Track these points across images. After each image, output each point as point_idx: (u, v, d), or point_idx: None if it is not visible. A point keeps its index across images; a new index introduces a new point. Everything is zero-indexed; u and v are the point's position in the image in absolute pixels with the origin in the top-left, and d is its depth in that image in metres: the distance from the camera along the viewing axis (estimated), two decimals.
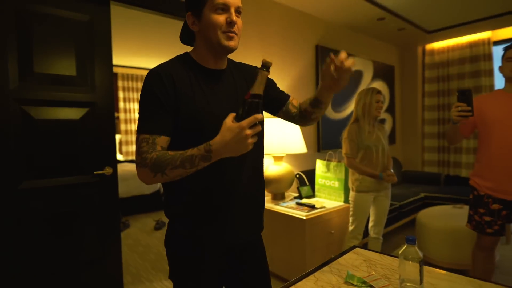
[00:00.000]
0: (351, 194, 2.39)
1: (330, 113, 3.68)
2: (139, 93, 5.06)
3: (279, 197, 2.74)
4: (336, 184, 2.67)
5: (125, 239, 3.64)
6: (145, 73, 6.11)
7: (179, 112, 0.93)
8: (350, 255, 1.20)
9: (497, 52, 4.19)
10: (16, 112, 1.76)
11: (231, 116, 0.83)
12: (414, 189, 3.95)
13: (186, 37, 1.09)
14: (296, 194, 2.93)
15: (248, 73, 1.12)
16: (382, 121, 2.38)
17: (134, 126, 6.17)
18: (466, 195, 3.58)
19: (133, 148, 6.20)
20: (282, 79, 3.14)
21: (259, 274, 1.13)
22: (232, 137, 0.80)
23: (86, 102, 2.00)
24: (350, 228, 2.40)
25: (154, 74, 0.93)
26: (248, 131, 0.79)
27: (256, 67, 1.13)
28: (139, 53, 4.77)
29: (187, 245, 1.01)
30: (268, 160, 3.00)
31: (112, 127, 2.11)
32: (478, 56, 4.19)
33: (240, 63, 1.15)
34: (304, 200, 2.65)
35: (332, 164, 2.72)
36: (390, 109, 4.75)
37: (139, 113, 0.96)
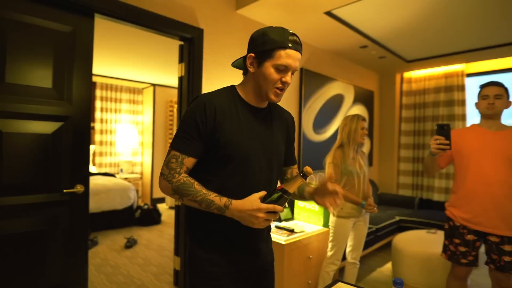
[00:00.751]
0: (332, 219, 2.38)
1: (311, 134, 3.71)
2: (117, 104, 4.92)
3: None
4: (316, 207, 2.66)
5: (92, 258, 3.44)
6: (124, 83, 6.00)
7: (215, 140, 1.03)
8: None
9: (470, 83, 4.43)
10: None
11: (262, 193, 0.97)
12: (390, 212, 4.02)
13: (239, 63, 1.16)
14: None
15: (284, 114, 1.26)
16: (360, 145, 2.41)
17: (110, 137, 5.97)
18: (438, 219, 3.68)
19: (107, 159, 5.98)
20: None
21: None
22: (248, 209, 0.94)
23: (60, 116, 1.89)
24: (329, 253, 2.38)
25: (200, 103, 1.04)
26: (262, 215, 0.92)
27: (289, 114, 1.30)
28: (119, 63, 4.66)
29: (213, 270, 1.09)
30: None
31: (86, 143, 2.01)
32: (452, 87, 4.40)
33: (278, 105, 1.25)
34: (283, 224, 2.62)
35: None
36: (369, 133, 4.87)
37: (177, 130, 1.07)
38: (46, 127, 1.84)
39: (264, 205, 0.92)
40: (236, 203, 0.96)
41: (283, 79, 1.04)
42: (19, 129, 1.75)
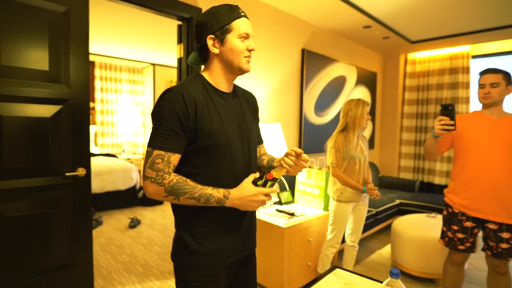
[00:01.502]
0: (332, 203, 2.39)
1: (312, 117, 3.68)
2: (117, 84, 4.86)
3: None
4: (316, 191, 2.67)
5: (97, 237, 3.51)
6: (123, 62, 5.90)
7: (198, 132, 1.01)
8: (331, 278, 1.18)
9: (475, 65, 4.33)
10: None
11: (252, 177, 1.02)
12: (390, 195, 4.04)
13: (196, 58, 1.16)
14: (276, 199, 2.92)
15: (249, 96, 1.26)
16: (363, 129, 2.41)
17: (111, 117, 5.95)
18: (439, 203, 3.70)
19: (109, 140, 5.98)
20: (267, 81, 3.10)
21: (252, 281, 1.26)
22: (249, 196, 1.00)
23: (59, 99, 1.87)
24: (329, 236, 2.41)
25: (177, 95, 0.99)
26: (262, 198, 1.01)
27: (252, 94, 1.30)
28: (117, 42, 4.57)
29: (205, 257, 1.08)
30: None
31: (86, 125, 1.99)
32: (457, 69, 4.31)
33: (239, 87, 1.25)
34: (284, 207, 2.64)
35: (313, 171, 2.72)
36: (371, 115, 4.82)
37: (154, 127, 1.01)
38: (45, 110, 1.82)
39: (262, 190, 1.00)
40: (234, 192, 1.00)
41: (249, 47, 1.08)
42: (18, 113, 1.73)
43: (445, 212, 2.04)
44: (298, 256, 2.38)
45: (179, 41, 2.51)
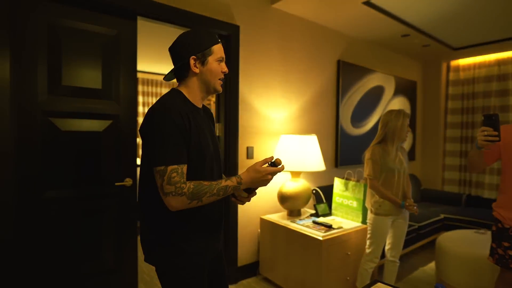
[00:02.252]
0: (370, 216, 2.33)
1: (349, 128, 3.62)
2: (157, 98, 5.09)
3: (295, 213, 2.71)
4: (354, 204, 2.62)
5: (139, 244, 3.67)
6: (160, 78, 6.22)
7: (191, 144, 1.09)
8: None
9: None
10: (44, 123, 1.81)
11: (261, 162, 1.12)
12: (434, 209, 3.83)
13: (171, 75, 1.25)
14: (312, 211, 2.89)
15: (209, 112, 1.36)
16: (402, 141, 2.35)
17: None
18: (488, 218, 3.45)
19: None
20: (303, 93, 3.13)
21: (223, 274, 1.37)
22: (258, 176, 1.11)
23: (109, 115, 2.03)
24: (367, 250, 2.34)
25: (174, 112, 1.06)
26: (270, 177, 1.12)
27: (208, 108, 1.38)
28: (158, 59, 4.86)
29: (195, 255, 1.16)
30: (285, 175, 2.97)
31: (133, 139, 2.14)
32: (507, 75, 4.05)
33: (203, 105, 1.32)
34: (321, 219, 2.61)
35: (351, 183, 2.67)
36: (411, 125, 4.64)
37: (160, 146, 1.04)
38: (97, 125, 1.99)
39: (269, 169, 1.11)
40: (244, 176, 1.11)
41: (223, 70, 1.20)
42: (75, 127, 1.91)
43: (494, 228, 1.91)
44: (336, 270, 2.33)
45: None
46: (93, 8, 1.95)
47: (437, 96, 4.73)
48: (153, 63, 5.12)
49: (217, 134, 2.65)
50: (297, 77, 3.08)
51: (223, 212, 1.29)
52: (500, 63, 4.12)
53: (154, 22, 2.24)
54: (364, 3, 2.74)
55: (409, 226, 3.11)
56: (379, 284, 1.23)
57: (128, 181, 2.09)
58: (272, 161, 1.15)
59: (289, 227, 2.46)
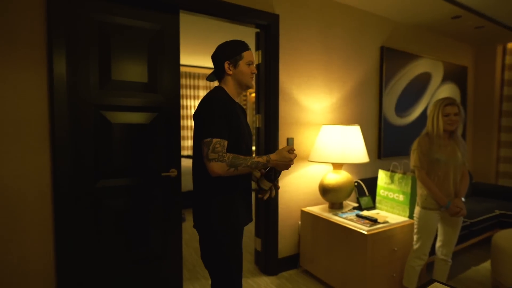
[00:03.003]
0: (416, 209, 2.22)
1: (393, 118, 3.45)
2: (195, 90, 5.24)
3: (337, 206, 2.65)
4: (401, 197, 2.50)
5: (183, 232, 3.80)
6: (201, 71, 6.33)
7: (232, 126, 1.37)
8: None
9: None
10: (96, 116, 1.90)
11: (287, 148, 1.39)
12: (487, 205, 3.56)
13: (214, 77, 1.55)
14: (354, 204, 2.81)
15: (242, 108, 1.60)
16: (451, 132, 2.19)
17: (189, 122, 6.41)
18: None
19: (189, 143, 6.44)
20: (344, 82, 3.01)
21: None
22: (285, 160, 1.38)
23: (155, 107, 2.09)
24: (415, 246, 2.22)
25: (224, 101, 1.36)
26: (292, 163, 1.41)
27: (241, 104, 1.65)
28: (196, 52, 4.93)
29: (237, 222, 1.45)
30: (326, 167, 2.91)
31: (177, 130, 2.19)
32: None
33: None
34: (365, 213, 2.52)
35: (397, 175, 2.55)
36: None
37: (210, 123, 1.31)
38: (144, 118, 2.06)
39: (292, 156, 1.38)
40: (273, 156, 1.37)
41: (252, 71, 1.47)
42: (123, 120, 1.99)
43: None
44: (382, 266, 2.25)
45: (257, 47, 2.60)
46: (138, 4, 2.00)
47: (491, 82, 4.36)
48: (191, 56, 5.21)
49: (258, 125, 2.64)
50: (339, 66, 2.97)
51: (251, 190, 1.56)
52: None
53: (195, 15, 2.26)
54: None
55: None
56: (436, 284, 1.15)
57: (173, 172, 2.15)
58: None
59: (331, 220, 2.40)
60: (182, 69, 6.12)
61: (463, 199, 2.11)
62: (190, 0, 2.10)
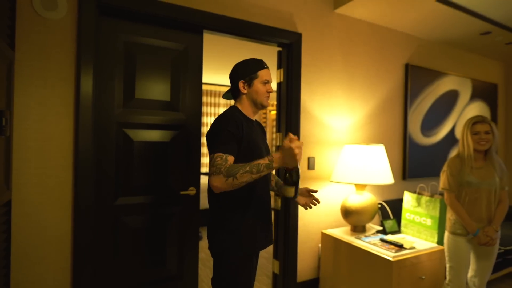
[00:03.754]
0: (445, 234, 2.09)
1: (418, 137, 3.33)
2: (216, 108, 5.29)
3: (359, 229, 2.54)
4: (428, 221, 2.36)
5: (199, 251, 3.75)
6: (222, 89, 6.42)
7: (242, 143, 1.35)
8: None
9: None
10: (119, 134, 1.93)
11: (287, 138, 1.21)
12: None
13: (228, 95, 1.58)
14: (378, 227, 2.69)
15: (261, 126, 1.63)
16: (485, 152, 2.07)
17: None
18: None
19: (207, 159, 6.49)
20: (368, 100, 2.95)
21: (255, 270, 1.53)
22: (286, 154, 1.17)
23: (176, 125, 2.11)
24: (447, 278, 2.08)
25: (230, 118, 1.35)
26: (297, 151, 1.14)
27: (260, 122, 1.69)
28: (217, 71, 5.00)
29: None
30: (349, 188, 2.81)
31: (197, 149, 2.19)
32: None
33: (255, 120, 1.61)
34: (390, 237, 2.40)
35: (424, 198, 2.42)
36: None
37: (215, 140, 1.31)
38: (165, 135, 2.07)
39: (294, 144, 1.14)
40: (275, 154, 1.22)
41: (268, 90, 1.46)
42: (145, 138, 2.01)
43: None
44: None
45: (279, 66, 2.59)
46: (164, 24, 2.05)
47: None
48: (212, 74, 5.29)
49: (278, 144, 2.60)
50: (362, 83, 2.91)
51: (271, 211, 1.49)
52: None
53: (219, 35, 2.29)
54: (439, 0, 2.50)
55: None
56: None
57: (192, 190, 2.14)
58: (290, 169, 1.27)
59: (353, 244, 2.30)
60: (203, 87, 6.23)
61: (496, 227, 1.96)
62: (213, 20, 2.13)
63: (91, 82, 1.78)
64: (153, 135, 2.04)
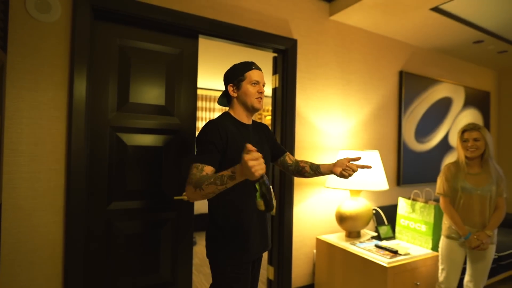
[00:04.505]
0: (441, 238, 2.15)
1: (412, 144, 3.35)
2: (211, 113, 5.28)
3: (354, 235, 2.53)
4: (423, 227, 2.36)
5: (193, 257, 3.71)
6: (217, 93, 6.42)
7: (229, 151, 1.33)
8: None
9: None
10: (112, 138, 1.91)
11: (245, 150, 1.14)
12: None
13: (222, 100, 1.55)
14: (373, 233, 2.68)
15: (261, 126, 1.61)
16: (479, 158, 2.11)
17: None
18: None
19: None
20: (362, 107, 2.96)
21: (257, 278, 1.57)
22: (244, 166, 1.04)
23: (171, 130, 2.09)
24: (440, 279, 2.10)
25: (214, 126, 1.34)
26: (251, 163, 1.01)
27: (263, 123, 1.66)
28: (212, 75, 5.01)
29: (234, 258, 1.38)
30: (344, 194, 2.81)
31: (192, 153, 2.17)
32: None
33: (254, 121, 1.59)
34: (384, 243, 2.39)
35: (418, 204, 2.43)
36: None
37: (197, 150, 1.32)
38: (159, 140, 2.06)
39: (248, 156, 1.03)
40: (237, 167, 1.09)
41: (259, 90, 1.41)
42: (139, 142, 1.99)
43: None
44: None
45: (274, 72, 2.60)
46: (159, 29, 2.05)
47: None
48: (209, 79, 5.30)
49: None
50: (356, 90, 2.93)
51: (266, 218, 1.47)
52: None
53: (214, 40, 2.29)
54: (433, 9, 2.54)
55: None
56: None
57: (186, 195, 2.11)
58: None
59: (348, 250, 2.29)
60: (198, 91, 6.23)
61: (489, 232, 1.97)
62: (209, 25, 2.14)
63: (85, 86, 1.77)
64: (147, 140, 2.02)
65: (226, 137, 1.33)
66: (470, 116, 3.98)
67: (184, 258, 2.14)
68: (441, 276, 2.10)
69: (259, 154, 1.06)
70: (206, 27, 2.12)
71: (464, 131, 2.09)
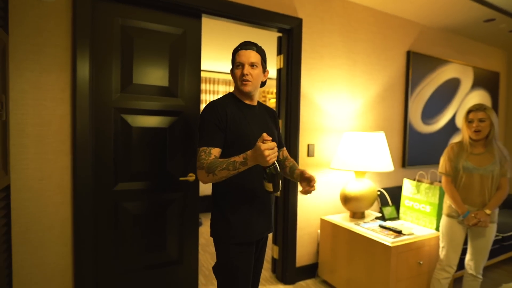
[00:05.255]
0: (442, 216, 2.16)
1: (419, 125, 3.31)
2: (215, 96, 5.24)
3: (358, 215, 2.55)
4: (427, 208, 2.37)
5: (199, 237, 3.78)
6: (220, 76, 6.36)
7: (229, 131, 1.35)
8: None
9: None
10: (116, 120, 1.92)
11: (260, 138, 1.15)
12: None
13: None
14: (377, 213, 2.70)
15: (269, 111, 1.59)
16: (486, 140, 2.09)
17: None
18: None
19: None
20: (368, 87, 2.92)
21: (261, 260, 1.59)
22: (257, 153, 1.13)
23: (175, 111, 2.09)
24: (440, 256, 2.13)
25: (213, 107, 1.36)
26: (267, 152, 1.11)
27: (271, 109, 1.63)
28: (215, 57, 4.94)
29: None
30: (348, 175, 2.81)
31: (196, 135, 2.17)
32: None
33: (262, 104, 1.59)
34: (388, 223, 2.41)
35: (423, 185, 2.43)
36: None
37: (201, 132, 1.34)
38: (164, 121, 2.06)
39: (265, 145, 1.11)
40: (250, 152, 1.17)
41: (240, 73, 1.38)
42: (143, 124, 1.99)
43: None
44: (406, 280, 2.14)
45: (279, 52, 2.56)
46: (161, 8, 2.01)
47: None
48: (214, 61, 5.23)
49: None
50: (363, 70, 2.88)
51: (271, 199, 1.48)
52: None
53: (218, 19, 2.25)
54: None
55: None
56: None
57: (191, 176, 2.13)
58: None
59: (352, 230, 2.31)
60: (202, 74, 6.17)
61: (487, 211, 1.98)
62: (212, 4, 2.09)
63: (88, 67, 1.76)
64: (152, 121, 2.02)
65: (226, 116, 1.35)
66: (478, 97, 3.91)
67: (190, 238, 2.18)
68: (441, 254, 2.13)
69: (274, 144, 1.13)
70: (209, 6, 2.08)
71: (469, 111, 2.06)
